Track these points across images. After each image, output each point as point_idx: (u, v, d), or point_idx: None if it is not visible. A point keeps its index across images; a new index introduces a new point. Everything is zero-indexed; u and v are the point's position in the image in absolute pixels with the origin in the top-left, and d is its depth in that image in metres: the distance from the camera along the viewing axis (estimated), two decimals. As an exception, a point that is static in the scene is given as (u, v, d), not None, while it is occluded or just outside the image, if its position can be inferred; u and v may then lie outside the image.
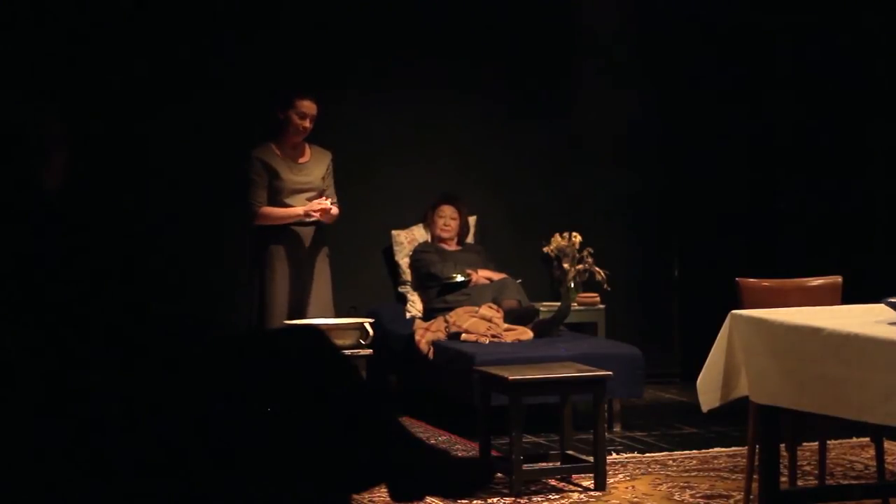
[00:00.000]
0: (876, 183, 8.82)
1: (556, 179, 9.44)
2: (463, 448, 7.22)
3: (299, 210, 7.38)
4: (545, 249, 9.13)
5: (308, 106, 7.41)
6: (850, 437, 7.15)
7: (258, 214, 7.39)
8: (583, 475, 6.36)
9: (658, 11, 9.58)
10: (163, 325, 2.83)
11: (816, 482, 6.08)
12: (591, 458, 6.26)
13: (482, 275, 8.57)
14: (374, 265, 9.06)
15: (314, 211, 7.36)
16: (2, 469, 2.66)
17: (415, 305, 8.74)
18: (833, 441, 6.89)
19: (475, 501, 5.99)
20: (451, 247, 8.80)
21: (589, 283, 9.08)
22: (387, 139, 9.04)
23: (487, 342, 7.86)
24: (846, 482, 6.44)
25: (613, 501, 6.06)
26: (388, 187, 9.03)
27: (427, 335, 8.09)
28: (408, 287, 8.90)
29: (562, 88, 9.49)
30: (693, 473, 6.63)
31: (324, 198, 7.43)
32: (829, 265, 6.45)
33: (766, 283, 6.00)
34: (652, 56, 9.59)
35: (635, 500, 6.08)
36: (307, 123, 7.40)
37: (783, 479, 5.58)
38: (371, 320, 7.13)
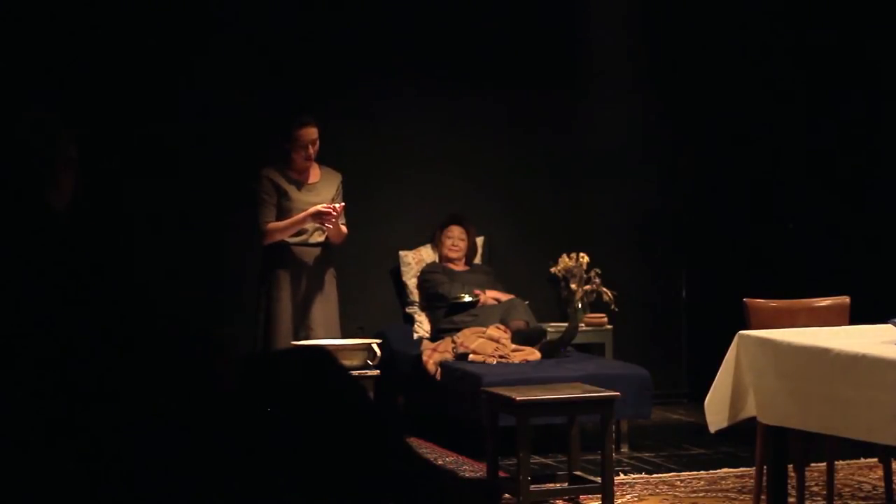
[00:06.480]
0: (884, 203, 8.81)
1: (564, 201, 9.44)
2: (470, 469, 7.21)
3: (303, 214, 7.28)
4: (553, 270, 9.12)
5: (307, 133, 7.32)
6: (859, 458, 7.14)
7: (266, 233, 7.36)
8: (590, 496, 6.35)
9: (669, 29, 9.58)
10: (168, 345, 2.83)
11: (824, 503, 6.07)
12: (598, 479, 6.25)
13: (490, 295, 8.57)
14: (382, 286, 9.05)
15: (323, 215, 7.22)
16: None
17: (422, 326, 8.74)
18: (841, 462, 6.87)
19: (483, 522, 5.97)
20: (459, 267, 8.80)
21: (596, 304, 9.07)
22: (394, 159, 9.04)
23: (495, 363, 7.86)
24: (854, 503, 6.43)
25: (621, 522, 6.06)
26: (396, 207, 9.03)
27: (434, 356, 8.09)
28: (415, 307, 8.90)
29: (570, 110, 9.49)
30: (701, 494, 6.63)
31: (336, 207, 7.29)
32: (837, 285, 6.45)
33: (773, 303, 6.00)
34: (660, 79, 9.59)
35: (643, 521, 6.07)
36: (310, 150, 7.36)
37: (791, 499, 5.57)
38: (378, 341, 7.13)
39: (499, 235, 9.23)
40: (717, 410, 5.29)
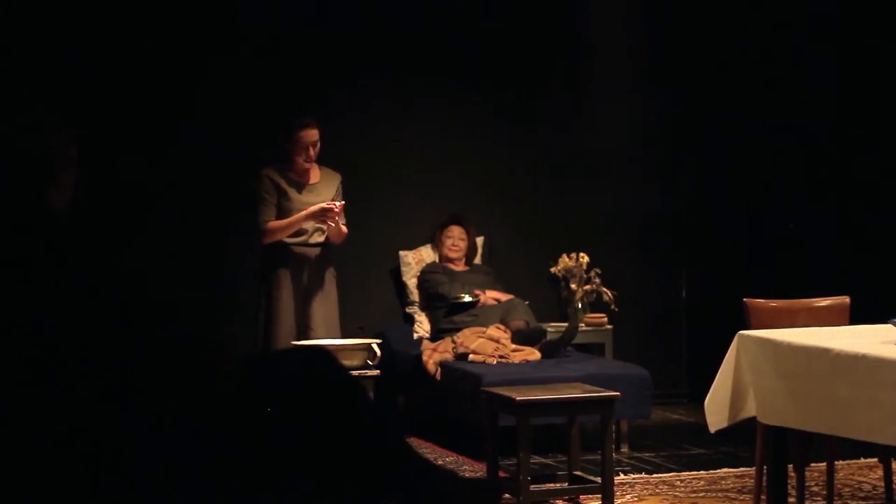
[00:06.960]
0: (884, 203, 8.81)
1: (564, 201, 9.43)
2: (470, 469, 7.21)
3: (304, 213, 7.29)
4: (553, 270, 9.12)
5: (308, 135, 7.33)
6: (858, 458, 7.13)
7: (266, 231, 7.36)
8: (590, 496, 6.35)
9: (669, 29, 9.57)
10: (168, 345, 2.83)
11: (824, 503, 6.06)
12: (598, 479, 6.25)
13: (490, 295, 8.57)
14: (382, 285, 9.05)
15: (325, 212, 7.22)
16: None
17: (422, 326, 8.74)
18: (841, 462, 6.87)
19: (483, 522, 5.96)
20: (459, 267, 8.80)
21: (596, 304, 9.07)
22: (394, 159, 9.04)
23: (495, 363, 7.86)
24: (854, 503, 6.43)
25: (621, 522, 6.06)
26: (396, 207, 9.03)
27: (434, 356, 8.09)
28: (415, 307, 8.90)
29: (571, 111, 9.49)
30: (701, 494, 6.63)
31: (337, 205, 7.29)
32: (837, 285, 6.45)
33: (773, 303, 6.00)
34: (660, 79, 9.59)
35: (643, 521, 6.07)
36: (311, 152, 7.36)
37: (791, 499, 5.57)
38: (378, 341, 7.12)
39: (499, 235, 9.23)
40: (717, 410, 5.29)
